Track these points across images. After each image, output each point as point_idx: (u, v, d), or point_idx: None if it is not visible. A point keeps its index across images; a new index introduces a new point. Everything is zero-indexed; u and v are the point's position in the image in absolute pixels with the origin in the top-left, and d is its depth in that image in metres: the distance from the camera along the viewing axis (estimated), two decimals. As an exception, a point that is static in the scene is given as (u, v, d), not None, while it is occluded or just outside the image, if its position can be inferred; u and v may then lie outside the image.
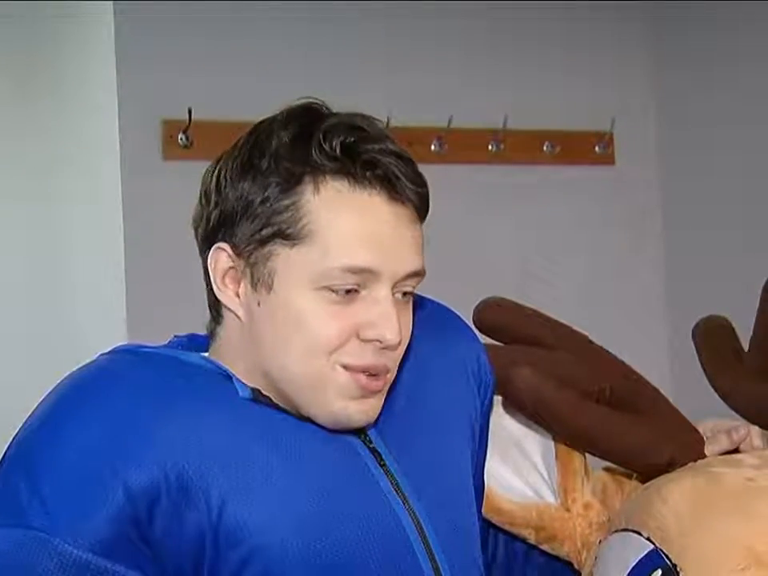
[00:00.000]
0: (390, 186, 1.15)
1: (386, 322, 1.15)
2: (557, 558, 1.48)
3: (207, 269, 1.20)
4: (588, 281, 3.33)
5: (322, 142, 1.14)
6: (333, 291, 1.14)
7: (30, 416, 1.16)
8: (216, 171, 1.20)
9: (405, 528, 1.20)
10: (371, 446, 1.23)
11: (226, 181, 1.18)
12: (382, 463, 1.22)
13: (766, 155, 3.12)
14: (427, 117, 3.07)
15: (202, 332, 1.29)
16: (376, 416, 1.21)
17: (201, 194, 1.21)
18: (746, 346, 1.66)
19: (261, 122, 1.21)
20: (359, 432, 1.22)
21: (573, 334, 1.51)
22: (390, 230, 1.15)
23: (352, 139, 1.15)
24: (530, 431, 1.47)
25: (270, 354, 1.18)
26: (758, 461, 1.38)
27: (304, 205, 1.14)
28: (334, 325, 1.15)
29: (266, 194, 1.15)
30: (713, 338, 1.62)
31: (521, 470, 1.47)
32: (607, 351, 1.51)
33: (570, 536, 1.44)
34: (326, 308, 1.15)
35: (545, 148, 3.27)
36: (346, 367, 1.16)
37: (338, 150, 1.14)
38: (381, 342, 1.16)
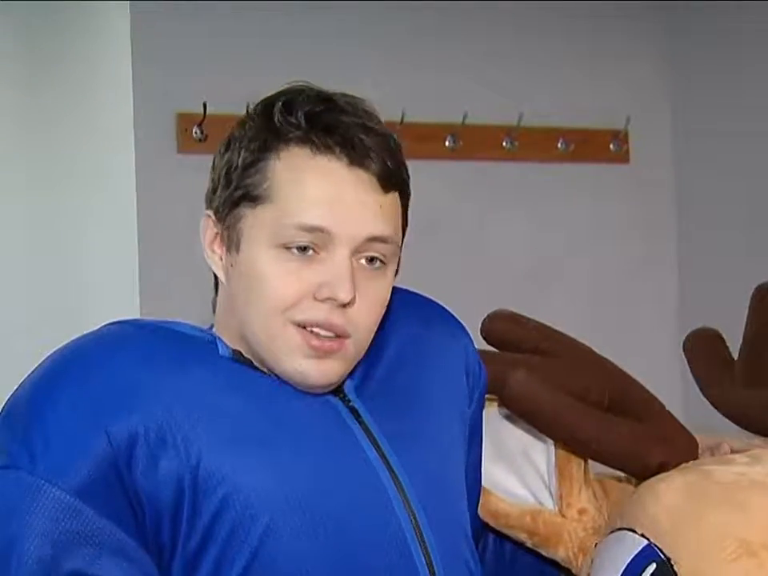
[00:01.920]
0: (352, 152, 1.20)
1: (339, 281, 1.19)
2: (545, 559, 1.49)
3: None
4: (601, 279, 3.33)
5: (284, 110, 1.21)
6: (288, 249, 1.19)
7: (26, 376, 1.22)
8: (218, 147, 1.28)
9: (382, 480, 1.24)
10: (349, 404, 1.27)
11: (218, 154, 1.26)
12: (359, 420, 1.26)
13: (781, 155, 3.12)
14: (442, 113, 3.08)
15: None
16: (337, 380, 1.25)
17: None
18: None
19: None
20: (338, 393, 1.27)
21: (576, 344, 1.53)
22: (349, 194, 1.20)
23: (319, 108, 1.21)
24: (533, 438, 1.49)
25: (240, 313, 1.23)
26: (749, 459, 1.40)
27: (268, 169, 1.21)
28: (289, 283, 1.20)
29: (239, 159, 1.22)
30: (703, 348, 1.66)
31: (523, 475, 1.49)
32: (607, 359, 1.52)
33: (563, 541, 1.46)
34: (283, 267, 1.20)
35: (559, 146, 3.26)
36: (298, 324, 1.20)
37: (302, 119, 1.20)
38: (334, 300, 1.19)
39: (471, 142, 3.13)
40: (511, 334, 1.51)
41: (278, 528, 1.17)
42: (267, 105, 1.24)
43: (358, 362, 1.27)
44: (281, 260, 1.20)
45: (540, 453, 1.48)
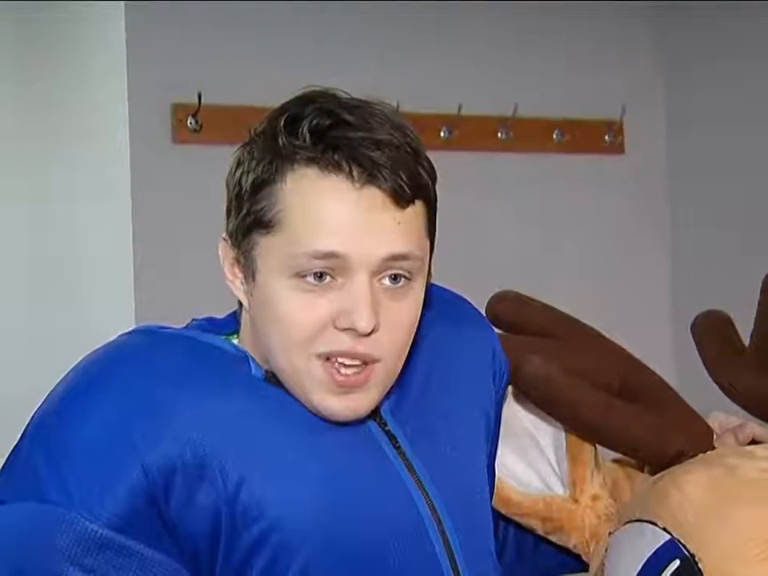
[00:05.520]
0: (361, 169, 1.12)
1: (358, 309, 1.13)
2: (565, 551, 1.48)
3: None
4: (595, 268, 3.34)
5: (288, 128, 1.14)
6: (303, 277, 1.13)
7: (49, 394, 1.17)
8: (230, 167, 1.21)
9: (419, 510, 1.20)
10: (386, 428, 1.23)
11: (229, 174, 1.19)
12: (396, 445, 1.22)
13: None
14: (437, 104, 3.07)
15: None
16: (365, 412, 1.19)
17: None
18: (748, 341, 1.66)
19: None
20: (373, 414, 1.22)
21: (583, 327, 1.51)
22: (361, 214, 1.13)
23: (325, 124, 1.14)
24: (542, 422, 1.47)
25: (263, 343, 1.18)
26: None
27: (276, 193, 1.14)
28: (307, 315, 1.14)
29: (247, 183, 1.16)
30: (712, 332, 1.62)
31: (531, 460, 1.48)
32: (616, 343, 1.51)
33: (577, 527, 1.44)
34: (300, 297, 1.14)
35: (554, 136, 3.26)
36: (321, 357, 1.15)
37: (307, 137, 1.13)
38: (354, 329, 1.13)
39: (466, 132, 3.13)
40: (519, 315, 1.49)
41: (316, 563, 1.14)
42: (270, 123, 1.16)
43: (394, 382, 1.22)
44: (296, 290, 1.13)
45: (546, 435, 1.47)
